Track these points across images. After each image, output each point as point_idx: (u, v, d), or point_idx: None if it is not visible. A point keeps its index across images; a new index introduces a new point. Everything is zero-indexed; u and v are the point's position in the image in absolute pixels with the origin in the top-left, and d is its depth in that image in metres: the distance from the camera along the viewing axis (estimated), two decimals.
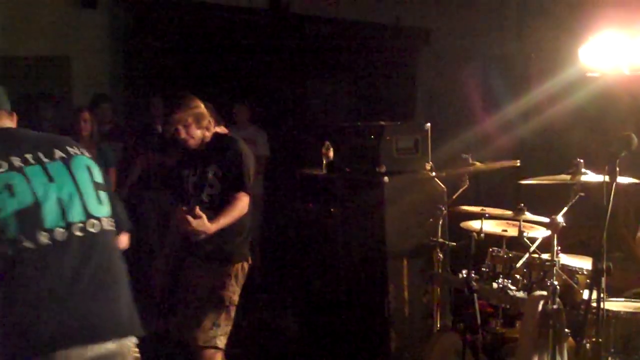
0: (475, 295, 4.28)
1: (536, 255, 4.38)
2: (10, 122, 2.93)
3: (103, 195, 2.81)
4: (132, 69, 8.69)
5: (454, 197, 5.09)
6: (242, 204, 4.51)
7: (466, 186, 4.98)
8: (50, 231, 2.59)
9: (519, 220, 4.51)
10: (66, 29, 8.38)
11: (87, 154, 2.88)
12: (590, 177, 4.16)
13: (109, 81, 8.64)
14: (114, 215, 2.89)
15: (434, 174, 5.39)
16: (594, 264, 3.38)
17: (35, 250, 2.55)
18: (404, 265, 5.39)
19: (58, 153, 2.76)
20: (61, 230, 2.61)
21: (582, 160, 4.20)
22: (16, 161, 2.64)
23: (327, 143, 6.01)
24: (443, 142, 5.88)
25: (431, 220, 5.15)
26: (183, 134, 4.56)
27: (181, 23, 8.69)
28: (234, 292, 4.59)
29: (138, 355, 2.83)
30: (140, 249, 7.95)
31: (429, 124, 5.59)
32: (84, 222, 2.68)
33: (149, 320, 6.72)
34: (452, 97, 8.11)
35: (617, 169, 3.39)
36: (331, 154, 5.98)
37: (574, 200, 4.17)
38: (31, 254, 2.54)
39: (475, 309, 4.27)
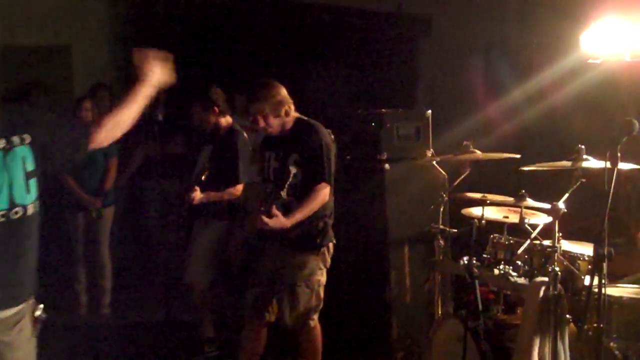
0: (476, 281, 4.28)
1: (537, 242, 4.38)
2: None
3: (32, 182, 3.11)
4: (132, 58, 8.66)
5: (455, 183, 5.08)
6: (322, 195, 4.67)
7: (467, 173, 4.98)
8: None
9: (520, 207, 4.50)
10: (67, 18, 8.38)
11: (27, 140, 3.08)
12: (591, 163, 4.15)
13: (110, 70, 8.62)
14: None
15: (435, 161, 5.39)
16: (595, 249, 3.38)
17: None
18: (405, 252, 5.42)
19: (1, 143, 3.01)
20: None
21: (583, 147, 4.19)
22: None
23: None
24: (444, 130, 5.87)
25: (432, 207, 5.15)
26: (262, 124, 4.73)
27: (182, 12, 8.68)
28: (322, 275, 4.82)
29: (40, 311, 3.29)
30: (141, 237, 7.98)
31: (430, 111, 5.59)
32: (7, 211, 3.02)
33: (150, 305, 6.77)
34: (453, 85, 8.09)
35: (619, 154, 3.38)
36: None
37: (575, 187, 4.16)
38: None
39: (477, 295, 4.27)
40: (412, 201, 5.39)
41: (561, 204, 4.10)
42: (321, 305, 4.87)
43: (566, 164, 4.21)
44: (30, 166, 3.09)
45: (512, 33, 7.70)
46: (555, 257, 4.11)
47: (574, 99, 6.30)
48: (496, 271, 4.46)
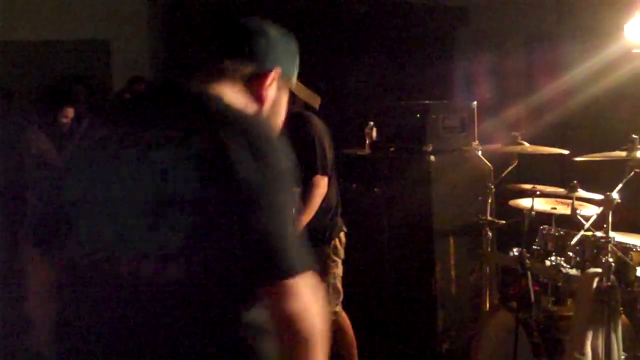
0: (528, 273, 4.24)
1: (590, 233, 4.34)
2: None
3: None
4: (172, 52, 8.70)
5: (503, 174, 5.05)
6: (319, 189, 4.62)
7: (515, 164, 4.94)
8: None
9: (571, 198, 4.45)
10: (106, 12, 8.43)
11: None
12: None
13: (148, 64, 8.67)
14: None
15: (480, 152, 5.36)
16: None
17: None
18: (450, 244, 5.40)
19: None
20: None
21: (637, 137, 4.13)
22: None
23: (371, 123, 6.00)
24: (485, 121, 5.84)
25: (480, 198, 5.12)
26: None
27: (220, 5, 8.67)
28: (336, 266, 4.80)
29: None
30: None
31: (475, 102, 5.56)
32: None
33: None
34: (493, 75, 8.02)
35: None
36: (374, 133, 5.97)
37: (629, 177, 4.11)
38: None
39: (529, 287, 4.23)
40: (458, 193, 5.37)
41: (615, 195, 4.05)
42: (341, 297, 4.88)
43: (620, 154, 4.16)
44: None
45: (552, 23, 7.62)
46: (609, 248, 4.07)
47: (619, 89, 6.23)
48: (547, 262, 4.42)
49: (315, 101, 3.07)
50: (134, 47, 8.60)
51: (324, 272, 4.71)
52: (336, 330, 4.94)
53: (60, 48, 8.42)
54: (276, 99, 2.15)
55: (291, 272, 1.80)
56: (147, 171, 1.80)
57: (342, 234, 4.86)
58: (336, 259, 4.82)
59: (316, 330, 1.82)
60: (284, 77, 2.16)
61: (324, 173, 4.64)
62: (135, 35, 8.64)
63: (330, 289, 4.76)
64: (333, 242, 4.78)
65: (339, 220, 4.85)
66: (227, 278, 1.81)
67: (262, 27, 2.12)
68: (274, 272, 1.80)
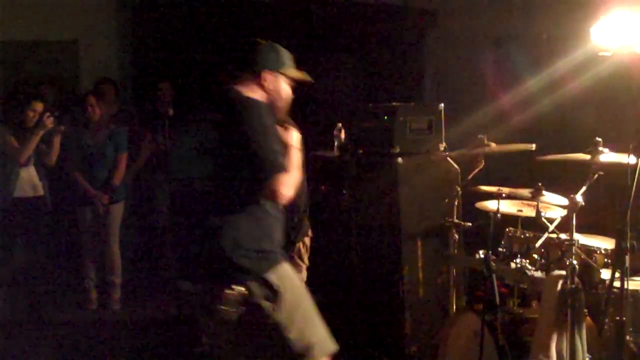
0: (494, 275, 4.27)
1: (554, 235, 4.36)
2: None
3: None
4: (140, 52, 8.66)
5: (470, 177, 5.07)
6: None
7: (482, 166, 4.96)
8: None
9: (536, 201, 4.48)
10: (74, 14, 8.37)
11: None
12: (610, 156, 4.13)
13: (117, 65, 8.62)
14: None
15: (447, 154, 5.37)
16: (617, 242, 3.37)
17: None
18: (418, 246, 5.39)
19: None
20: None
21: (600, 140, 4.17)
22: None
23: (339, 125, 5.99)
24: (452, 123, 5.85)
25: (446, 200, 5.14)
26: None
27: (189, 6, 8.65)
28: (299, 271, 4.78)
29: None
30: (150, 233, 7.97)
31: (442, 105, 5.57)
32: None
33: (161, 301, 6.78)
34: (461, 78, 8.06)
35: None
36: (343, 135, 5.96)
37: (593, 180, 4.14)
38: None
39: (495, 289, 4.26)
40: (425, 195, 5.37)
41: (579, 197, 4.08)
42: None
43: (584, 156, 4.19)
44: None
45: (521, 26, 7.67)
46: (573, 250, 4.09)
47: (585, 92, 6.28)
48: (512, 265, 4.45)
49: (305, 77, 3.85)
50: (102, 49, 8.56)
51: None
52: None
53: (29, 49, 8.36)
54: (274, 86, 3.62)
55: (276, 170, 3.35)
56: (217, 134, 3.55)
57: (307, 239, 4.82)
58: (300, 264, 4.78)
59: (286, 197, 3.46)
60: (273, 72, 3.63)
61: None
62: (104, 37, 8.59)
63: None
64: (298, 245, 4.75)
65: (305, 223, 4.82)
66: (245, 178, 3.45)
67: (252, 45, 3.62)
68: (272, 170, 3.34)
